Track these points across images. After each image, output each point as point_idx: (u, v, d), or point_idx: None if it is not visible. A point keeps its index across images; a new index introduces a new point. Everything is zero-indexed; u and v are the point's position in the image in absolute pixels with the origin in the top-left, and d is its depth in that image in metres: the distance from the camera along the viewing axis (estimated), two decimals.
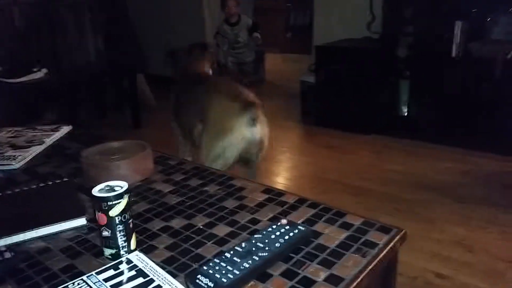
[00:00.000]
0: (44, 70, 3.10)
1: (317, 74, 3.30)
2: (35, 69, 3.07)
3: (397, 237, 0.76)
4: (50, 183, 0.99)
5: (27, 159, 1.20)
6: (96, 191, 0.71)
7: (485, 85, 2.60)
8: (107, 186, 0.72)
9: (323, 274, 0.65)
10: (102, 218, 0.69)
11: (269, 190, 0.95)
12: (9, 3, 3.60)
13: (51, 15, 3.75)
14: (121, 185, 0.72)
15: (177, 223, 0.83)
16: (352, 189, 2.28)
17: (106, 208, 0.69)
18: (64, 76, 3.37)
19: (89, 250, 0.76)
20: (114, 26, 4.05)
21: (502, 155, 2.55)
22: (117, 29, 4.07)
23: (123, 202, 0.70)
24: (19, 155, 1.20)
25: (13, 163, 1.16)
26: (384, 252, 0.71)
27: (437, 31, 2.74)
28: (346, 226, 0.79)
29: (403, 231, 0.78)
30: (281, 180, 2.55)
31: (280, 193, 0.94)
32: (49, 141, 1.32)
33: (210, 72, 2.16)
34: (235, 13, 3.73)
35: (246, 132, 1.61)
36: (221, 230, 0.80)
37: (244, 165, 1.76)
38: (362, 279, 0.65)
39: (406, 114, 3.01)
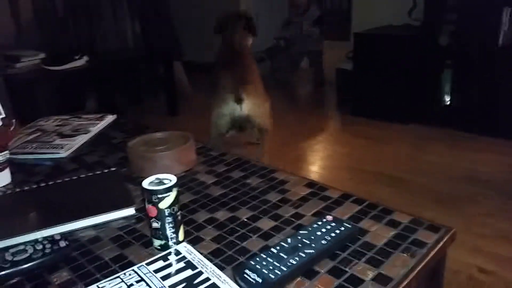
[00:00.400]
0: (85, 58, 3.18)
1: (355, 62, 3.24)
2: (76, 57, 3.16)
3: (447, 237, 0.74)
4: (98, 172, 1.02)
5: (74, 147, 1.23)
6: (146, 184, 0.72)
7: None
8: (157, 179, 0.74)
9: (371, 273, 0.64)
10: (152, 210, 0.71)
11: (312, 184, 0.95)
12: None
13: (89, 1, 3.83)
14: (170, 178, 0.73)
15: (221, 215, 0.84)
16: (391, 180, 2.24)
17: (156, 200, 0.70)
18: (102, 63, 3.45)
19: (138, 240, 0.78)
20: (152, 12, 4.10)
21: None
22: (154, 16, 4.12)
23: (172, 195, 0.71)
24: (66, 144, 1.24)
25: (61, 152, 1.20)
26: (434, 252, 0.70)
27: (483, 18, 2.62)
28: (393, 224, 0.77)
29: (453, 230, 0.76)
30: (316, 169, 2.53)
31: (323, 187, 0.93)
32: (94, 130, 1.36)
33: (250, 43, 2.40)
34: (303, 3, 4.06)
35: (233, 107, 1.99)
36: (265, 224, 0.80)
37: (240, 131, 2.18)
38: (411, 280, 0.64)
39: (448, 104, 2.91)
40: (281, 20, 5.39)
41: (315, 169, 2.54)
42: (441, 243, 0.72)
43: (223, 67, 2.16)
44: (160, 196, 0.70)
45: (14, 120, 1.02)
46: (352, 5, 3.75)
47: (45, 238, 0.74)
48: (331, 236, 0.71)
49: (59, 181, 1.00)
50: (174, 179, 0.73)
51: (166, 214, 0.71)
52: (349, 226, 0.74)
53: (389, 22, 3.30)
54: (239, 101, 1.95)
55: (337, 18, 6.45)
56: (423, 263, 0.67)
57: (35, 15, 3.58)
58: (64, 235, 0.76)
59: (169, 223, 0.72)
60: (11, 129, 1.01)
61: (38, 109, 3.18)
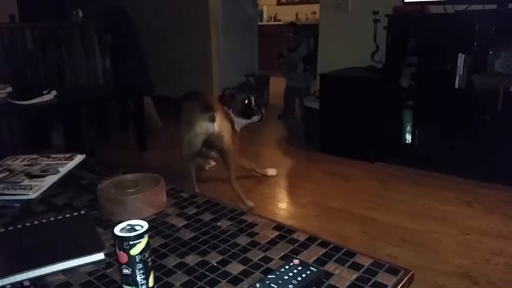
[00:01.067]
0: (54, 92, 3.16)
1: (321, 101, 3.36)
2: (45, 91, 3.13)
3: (405, 279, 0.78)
4: (68, 215, 1.02)
5: (43, 188, 1.23)
6: (117, 230, 0.74)
7: (488, 116, 2.65)
8: (128, 225, 0.75)
9: None
10: (123, 257, 0.72)
11: (280, 227, 0.98)
12: (22, 26, 3.70)
13: (59, 37, 3.84)
14: (141, 224, 0.75)
15: (191, 259, 0.86)
16: (357, 218, 2.30)
17: (127, 247, 0.72)
18: (71, 98, 3.43)
19: (108, 286, 0.78)
20: (122, 48, 4.14)
21: (506, 185, 2.58)
22: (124, 51, 4.16)
23: (144, 241, 0.73)
24: (35, 185, 1.23)
25: (30, 193, 1.19)
26: None
27: (440, 63, 2.80)
28: (356, 266, 0.81)
29: (411, 272, 0.80)
30: (285, 206, 2.57)
31: (291, 230, 0.97)
32: (63, 170, 1.36)
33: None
34: (291, 40, 4.39)
35: (205, 126, 2.28)
36: (235, 268, 0.83)
37: (211, 149, 2.45)
38: None
39: (410, 142, 3.05)
40: (252, 57, 5.57)
41: (283, 206, 2.58)
42: (400, 285, 0.76)
43: (189, 99, 2.47)
44: (131, 243, 0.72)
45: None
46: (319, 47, 3.92)
47: (13, 285, 0.73)
48: (297, 280, 0.74)
49: (27, 224, 0.99)
50: (145, 226, 0.75)
51: (137, 260, 0.73)
52: (315, 269, 0.77)
53: (354, 64, 3.47)
54: (211, 119, 2.26)
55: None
56: None
57: (3, 47, 3.55)
58: (33, 281, 0.76)
59: (139, 269, 0.73)
60: None
61: (3, 144, 3.11)
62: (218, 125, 2.29)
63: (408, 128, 3.04)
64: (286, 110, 4.65)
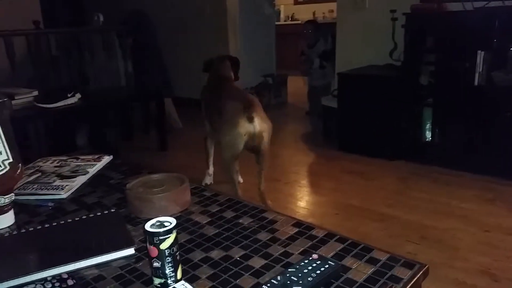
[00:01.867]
0: (78, 95, 3.26)
1: (339, 100, 3.38)
2: (69, 95, 3.24)
3: (420, 272, 0.81)
4: (99, 213, 1.09)
5: (74, 189, 1.30)
6: (148, 226, 0.79)
7: (509, 113, 2.63)
8: (158, 221, 0.81)
9: None
10: (153, 251, 0.78)
11: (299, 223, 1.02)
12: (46, 32, 3.83)
13: (82, 41, 3.95)
14: (170, 221, 0.80)
15: (216, 254, 0.91)
16: (377, 215, 2.32)
17: (158, 241, 0.77)
18: (95, 100, 3.54)
19: (139, 278, 0.84)
20: (142, 51, 4.23)
21: None
22: (145, 54, 4.25)
23: (172, 236, 0.78)
24: (66, 185, 1.30)
25: (62, 193, 1.26)
26: (408, 286, 0.77)
27: (459, 61, 2.79)
28: (373, 261, 0.85)
29: (426, 266, 0.83)
30: (304, 205, 2.60)
31: (310, 226, 1.00)
32: (92, 171, 1.42)
33: (232, 75, 2.70)
34: (310, 37, 4.48)
35: (246, 126, 2.17)
36: (257, 262, 0.87)
37: (252, 151, 2.31)
38: None
39: (429, 140, 3.04)
40: (269, 57, 5.61)
41: (302, 204, 2.61)
42: (415, 279, 0.79)
43: (222, 96, 2.38)
44: (161, 238, 0.77)
45: (20, 164, 1.09)
46: (336, 46, 3.93)
47: (53, 277, 0.80)
48: (316, 274, 0.78)
49: (61, 222, 1.05)
50: (174, 222, 0.80)
51: (166, 254, 0.78)
52: (333, 264, 0.81)
53: (372, 62, 3.48)
54: (251, 119, 2.15)
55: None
56: None
57: (29, 53, 3.67)
58: (71, 274, 0.82)
59: (168, 262, 0.79)
60: (18, 172, 1.08)
61: (30, 146, 3.22)
62: (258, 125, 2.19)
63: (428, 126, 3.03)
64: (312, 107, 4.67)
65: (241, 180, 2.71)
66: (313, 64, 4.45)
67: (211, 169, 2.90)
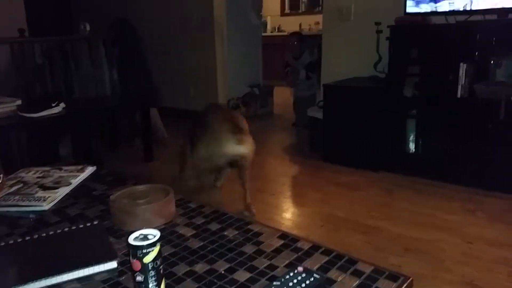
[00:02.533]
0: (62, 105, 3.22)
1: (325, 111, 3.40)
2: (53, 104, 3.20)
3: (404, 285, 0.82)
4: (81, 226, 1.07)
5: (56, 200, 1.28)
6: (131, 239, 0.78)
7: (491, 125, 2.68)
8: (141, 234, 0.79)
9: None
10: (136, 264, 0.76)
11: (284, 235, 1.02)
12: (31, 41, 3.79)
13: (67, 50, 3.93)
14: (154, 234, 0.79)
15: (200, 267, 0.90)
16: (362, 227, 2.32)
17: (141, 255, 0.76)
18: (79, 110, 3.50)
19: None
20: (128, 60, 4.22)
21: (510, 194, 2.60)
22: (130, 63, 4.24)
23: (156, 249, 0.77)
24: (48, 196, 1.28)
25: (44, 204, 1.24)
26: None
27: (442, 73, 2.84)
28: (357, 273, 0.85)
29: (410, 279, 0.83)
30: (290, 216, 2.60)
31: (295, 239, 1.00)
32: (75, 182, 1.41)
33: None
34: (296, 48, 4.50)
35: (232, 148, 2.20)
36: (242, 275, 0.86)
37: (232, 167, 2.42)
38: None
39: (413, 152, 3.07)
40: (256, 67, 5.64)
41: (288, 215, 2.61)
42: None
43: (218, 116, 2.40)
44: (144, 251, 0.76)
45: (1, 175, 1.07)
46: (322, 58, 3.97)
47: None
48: (301, 287, 0.78)
49: (43, 234, 1.03)
50: (157, 234, 0.79)
51: (150, 268, 0.77)
52: (318, 276, 0.81)
53: (357, 74, 3.52)
54: (241, 142, 2.20)
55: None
56: None
57: (13, 61, 3.63)
58: None
59: (152, 276, 0.77)
60: None
61: (13, 156, 3.16)
62: (246, 148, 2.24)
63: (412, 137, 3.07)
64: (298, 118, 4.69)
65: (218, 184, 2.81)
66: (299, 75, 4.48)
67: None
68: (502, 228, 2.26)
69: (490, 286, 1.78)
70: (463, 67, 2.75)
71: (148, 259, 0.76)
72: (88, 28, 4.17)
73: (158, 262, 0.78)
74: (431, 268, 1.91)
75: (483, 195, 2.64)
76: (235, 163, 2.32)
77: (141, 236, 0.79)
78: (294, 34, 4.79)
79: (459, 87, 2.78)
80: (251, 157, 2.32)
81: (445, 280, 1.83)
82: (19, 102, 3.13)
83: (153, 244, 0.77)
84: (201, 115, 2.47)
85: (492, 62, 2.76)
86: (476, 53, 2.79)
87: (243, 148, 2.22)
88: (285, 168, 3.45)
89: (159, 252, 0.78)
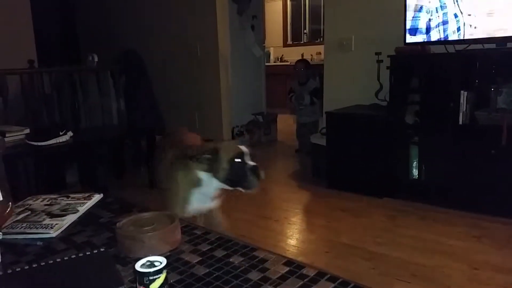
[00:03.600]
0: (70, 133, 3.27)
1: (327, 138, 3.43)
2: (61, 133, 3.25)
3: None
4: (88, 253, 1.08)
5: (64, 227, 1.29)
6: (138, 266, 0.79)
7: (494, 151, 2.69)
8: (148, 261, 0.81)
9: None
10: None
11: (290, 262, 1.03)
12: (40, 71, 3.88)
13: (75, 80, 4.01)
14: (160, 261, 0.81)
15: None
16: (367, 253, 2.31)
17: (148, 282, 0.77)
18: (86, 138, 3.55)
19: None
20: (135, 90, 4.30)
21: None
22: (137, 92, 4.32)
23: (162, 276, 0.79)
24: (56, 224, 1.30)
25: (51, 232, 1.25)
26: None
27: (443, 100, 2.88)
28: None
29: None
30: (295, 242, 2.59)
31: (300, 265, 1.01)
32: (82, 209, 1.42)
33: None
34: (303, 75, 4.61)
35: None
36: None
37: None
38: None
39: (416, 178, 3.08)
40: (260, 96, 5.73)
41: (293, 242, 2.60)
42: None
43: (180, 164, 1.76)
44: (151, 278, 0.77)
45: (10, 203, 1.09)
46: (324, 86, 4.04)
47: None
48: None
49: (50, 261, 1.05)
50: (164, 262, 0.81)
51: None
52: None
53: (358, 102, 3.57)
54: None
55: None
56: None
57: (22, 91, 3.71)
58: None
59: None
60: (7, 211, 1.08)
61: (20, 184, 3.20)
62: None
63: (415, 163, 3.08)
64: (301, 145, 4.71)
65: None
66: (304, 100, 4.54)
67: None
68: (508, 254, 2.25)
69: None
70: (464, 95, 2.79)
71: (154, 286, 0.78)
72: (96, 59, 4.27)
73: None
74: None
75: (487, 220, 2.63)
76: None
77: (148, 263, 0.81)
78: (301, 61, 4.90)
79: (461, 114, 2.81)
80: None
81: None
82: (27, 130, 3.18)
83: (159, 271, 0.78)
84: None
85: (492, 89, 2.80)
86: (476, 81, 2.84)
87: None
88: (289, 194, 3.45)
89: (166, 279, 0.80)
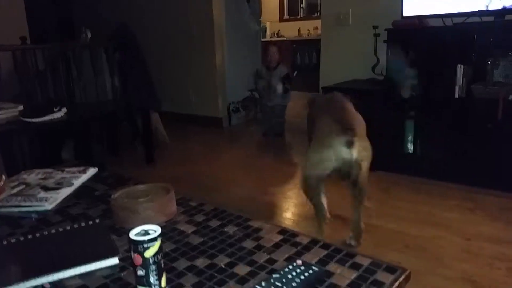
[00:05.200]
0: (64, 110, 3.25)
1: None
2: (55, 109, 3.22)
3: (402, 277, 0.83)
4: (83, 224, 1.08)
5: (58, 200, 1.29)
6: (133, 235, 0.79)
7: (489, 124, 2.69)
8: (142, 230, 0.81)
9: None
10: (137, 259, 0.78)
11: (284, 231, 1.04)
12: (33, 48, 3.82)
13: (69, 56, 3.95)
14: (154, 229, 0.81)
15: (201, 262, 0.92)
16: None
17: (142, 250, 0.77)
18: (81, 115, 3.52)
19: (123, 287, 0.84)
20: (129, 67, 4.24)
21: (508, 192, 2.61)
22: (131, 68, 4.26)
23: (157, 244, 0.79)
24: (51, 197, 1.30)
25: (46, 205, 1.25)
26: None
27: (440, 74, 2.86)
28: (355, 266, 0.86)
29: (408, 271, 0.85)
30: (290, 216, 2.61)
31: (294, 234, 1.02)
32: (77, 182, 1.43)
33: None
34: (274, 59, 4.34)
35: (342, 151, 1.84)
36: (242, 269, 0.88)
37: (342, 179, 1.98)
38: None
39: (412, 152, 3.09)
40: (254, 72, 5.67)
41: (288, 215, 2.62)
42: (397, 283, 0.81)
43: (323, 112, 2.10)
44: (145, 245, 0.78)
45: (3, 176, 1.09)
46: (320, 61, 4.00)
47: (35, 287, 0.79)
48: (301, 279, 0.79)
49: (45, 233, 1.05)
50: (158, 230, 0.81)
51: (151, 262, 0.78)
52: (317, 269, 0.83)
53: (354, 76, 3.55)
54: (349, 144, 1.83)
55: (307, 72, 6.82)
56: None
57: (15, 68, 3.65)
58: (54, 284, 0.82)
59: (153, 271, 0.79)
60: (0, 184, 1.07)
61: (15, 161, 3.19)
62: (357, 152, 1.85)
63: (410, 138, 3.08)
64: (269, 128, 4.51)
65: (328, 215, 2.14)
66: (277, 91, 4.30)
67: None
68: (500, 226, 2.27)
69: (489, 282, 1.79)
70: (460, 68, 2.77)
71: (149, 253, 0.78)
72: (89, 34, 4.20)
73: (159, 257, 0.79)
74: (430, 265, 1.92)
75: (481, 193, 2.66)
76: (346, 174, 1.91)
77: (142, 232, 0.81)
78: (273, 44, 4.69)
79: (457, 88, 2.80)
80: (366, 167, 1.95)
81: (444, 276, 1.84)
82: (21, 107, 3.16)
83: (154, 239, 0.78)
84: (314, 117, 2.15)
85: (489, 63, 2.78)
86: (473, 55, 2.81)
87: (355, 151, 1.84)
88: (285, 168, 3.46)
89: (160, 247, 0.80)
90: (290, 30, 7.86)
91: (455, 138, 2.86)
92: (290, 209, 2.73)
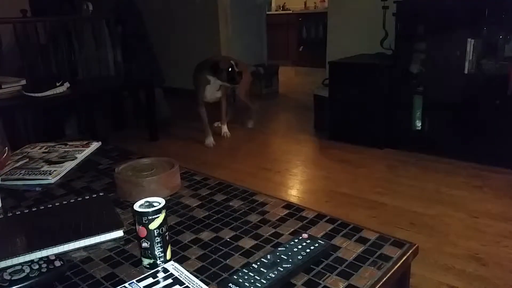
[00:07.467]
0: (67, 84, 3.22)
1: (330, 89, 3.38)
2: (58, 84, 3.20)
3: (410, 252, 0.82)
4: (87, 197, 1.07)
5: (62, 174, 1.28)
6: (137, 207, 0.78)
7: (498, 101, 2.65)
8: (146, 201, 0.80)
9: (341, 285, 0.72)
10: (142, 231, 0.77)
11: (289, 205, 1.02)
12: (34, 21, 3.77)
13: (71, 30, 3.90)
14: (159, 201, 0.80)
15: (205, 235, 0.90)
16: (367, 203, 2.33)
17: (146, 222, 0.76)
18: (83, 89, 3.50)
19: (128, 260, 0.83)
20: (132, 40, 4.19)
21: None
22: (134, 43, 4.21)
23: (161, 216, 0.77)
24: (54, 170, 1.29)
25: (49, 178, 1.24)
26: (398, 265, 0.78)
27: (449, 49, 2.80)
28: (362, 240, 0.85)
29: (415, 246, 0.83)
30: (296, 193, 2.61)
31: (300, 208, 1.00)
32: (81, 156, 1.41)
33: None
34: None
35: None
36: (247, 242, 0.87)
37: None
38: None
39: (419, 129, 3.06)
40: (261, 47, 5.58)
41: (294, 192, 2.62)
42: (405, 257, 0.80)
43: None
44: (150, 217, 0.76)
45: (6, 148, 1.07)
46: (327, 35, 3.92)
47: (40, 258, 0.79)
48: (306, 252, 0.78)
49: (49, 205, 1.04)
50: (162, 202, 0.79)
51: (155, 234, 0.77)
52: (323, 243, 0.81)
53: (363, 50, 3.48)
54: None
55: (313, 47, 6.70)
56: (388, 275, 0.75)
57: (17, 42, 3.61)
58: (59, 256, 0.81)
59: (157, 242, 0.78)
60: (4, 156, 1.06)
61: (18, 135, 3.19)
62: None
63: (418, 114, 3.04)
64: None
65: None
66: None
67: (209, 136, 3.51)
68: (508, 203, 2.26)
69: (495, 259, 1.78)
70: (470, 43, 2.71)
71: (153, 225, 0.77)
72: (91, 8, 4.13)
73: (164, 229, 0.78)
74: (436, 242, 1.92)
75: (490, 171, 2.64)
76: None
77: (147, 204, 0.80)
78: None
79: (467, 63, 2.75)
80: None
81: (450, 253, 1.83)
82: (23, 82, 3.13)
83: (158, 211, 0.77)
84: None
85: (500, 37, 2.71)
86: (484, 29, 2.74)
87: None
88: (291, 146, 3.45)
89: (165, 219, 0.79)
90: (296, 2, 7.71)
91: (463, 115, 2.82)
92: (295, 187, 2.72)
